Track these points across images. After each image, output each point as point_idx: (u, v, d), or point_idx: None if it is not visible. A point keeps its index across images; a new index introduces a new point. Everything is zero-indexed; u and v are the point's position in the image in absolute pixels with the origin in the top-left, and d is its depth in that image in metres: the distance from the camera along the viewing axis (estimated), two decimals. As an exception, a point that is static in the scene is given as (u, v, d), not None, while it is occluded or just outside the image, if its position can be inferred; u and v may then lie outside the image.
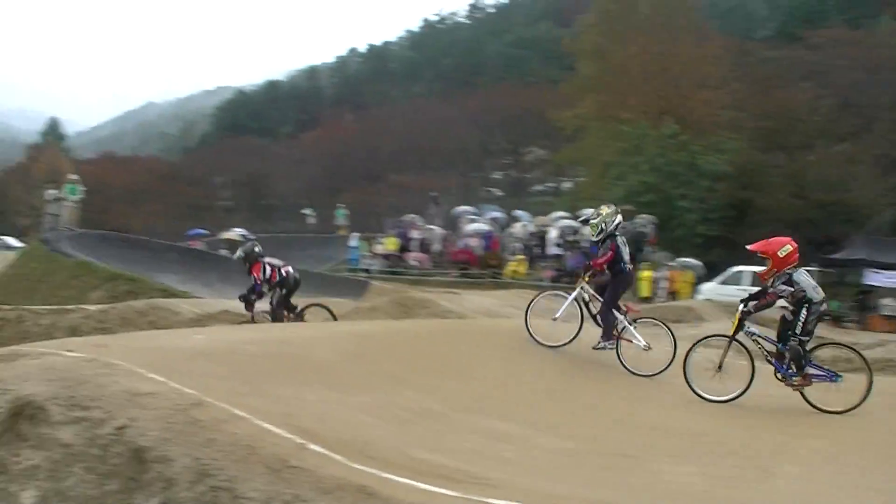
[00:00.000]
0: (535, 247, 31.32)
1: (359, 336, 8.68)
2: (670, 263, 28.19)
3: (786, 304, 9.00)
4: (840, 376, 8.66)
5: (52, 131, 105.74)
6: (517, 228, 32.16)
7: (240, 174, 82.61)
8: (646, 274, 26.27)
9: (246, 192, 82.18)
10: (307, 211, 48.56)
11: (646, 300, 24.92)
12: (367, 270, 32.42)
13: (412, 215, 35.50)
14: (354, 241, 34.34)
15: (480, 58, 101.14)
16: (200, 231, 39.97)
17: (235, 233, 38.83)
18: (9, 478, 4.34)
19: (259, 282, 12.96)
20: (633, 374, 9.72)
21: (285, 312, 13.33)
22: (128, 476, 4.20)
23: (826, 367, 8.90)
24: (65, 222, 30.86)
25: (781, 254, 8.86)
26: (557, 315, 10.43)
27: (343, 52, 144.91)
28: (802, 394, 8.74)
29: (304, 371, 6.55)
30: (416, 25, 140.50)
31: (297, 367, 6.60)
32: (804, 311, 8.76)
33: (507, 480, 4.89)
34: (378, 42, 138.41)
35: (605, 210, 10.48)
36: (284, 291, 13.20)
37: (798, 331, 8.74)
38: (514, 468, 5.36)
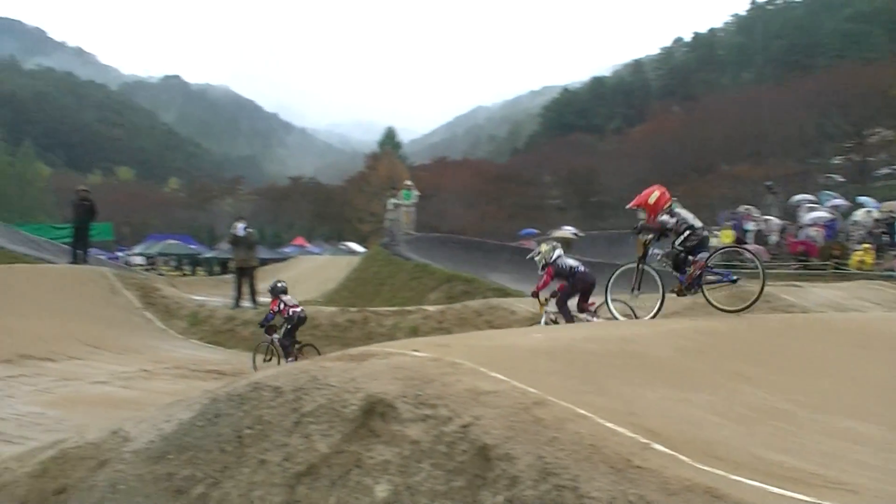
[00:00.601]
0: (882, 234, 29.38)
1: (699, 332, 8.34)
2: None
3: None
4: (737, 278, 9.78)
5: (389, 140, 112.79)
6: (861, 215, 30.19)
7: (569, 172, 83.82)
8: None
9: (575, 189, 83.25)
10: (637, 206, 48.17)
11: None
12: (700, 264, 31.73)
13: (747, 206, 34.24)
14: (686, 234, 33.64)
15: (815, 37, 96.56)
16: (532, 231, 40.74)
17: (567, 231, 39.29)
18: (364, 471, 4.51)
19: (273, 312, 15.90)
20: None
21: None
22: (473, 473, 4.24)
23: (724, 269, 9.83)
24: (403, 227, 32.58)
25: (651, 200, 10.03)
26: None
27: (668, 42, 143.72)
28: (705, 296, 9.86)
29: (644, 369, 6.36)
30: (743, 9, 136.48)
31: (638, 365, 6.42)
32: (686, 232, 9.84)
33: (868, 486, 4.44)
34: (704, 30, 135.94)
35: (543, 248, 12.63)
36: (289, 326, 15.76)
37: (677, 243, 9.89)
38: (874, 473, 4.89)
